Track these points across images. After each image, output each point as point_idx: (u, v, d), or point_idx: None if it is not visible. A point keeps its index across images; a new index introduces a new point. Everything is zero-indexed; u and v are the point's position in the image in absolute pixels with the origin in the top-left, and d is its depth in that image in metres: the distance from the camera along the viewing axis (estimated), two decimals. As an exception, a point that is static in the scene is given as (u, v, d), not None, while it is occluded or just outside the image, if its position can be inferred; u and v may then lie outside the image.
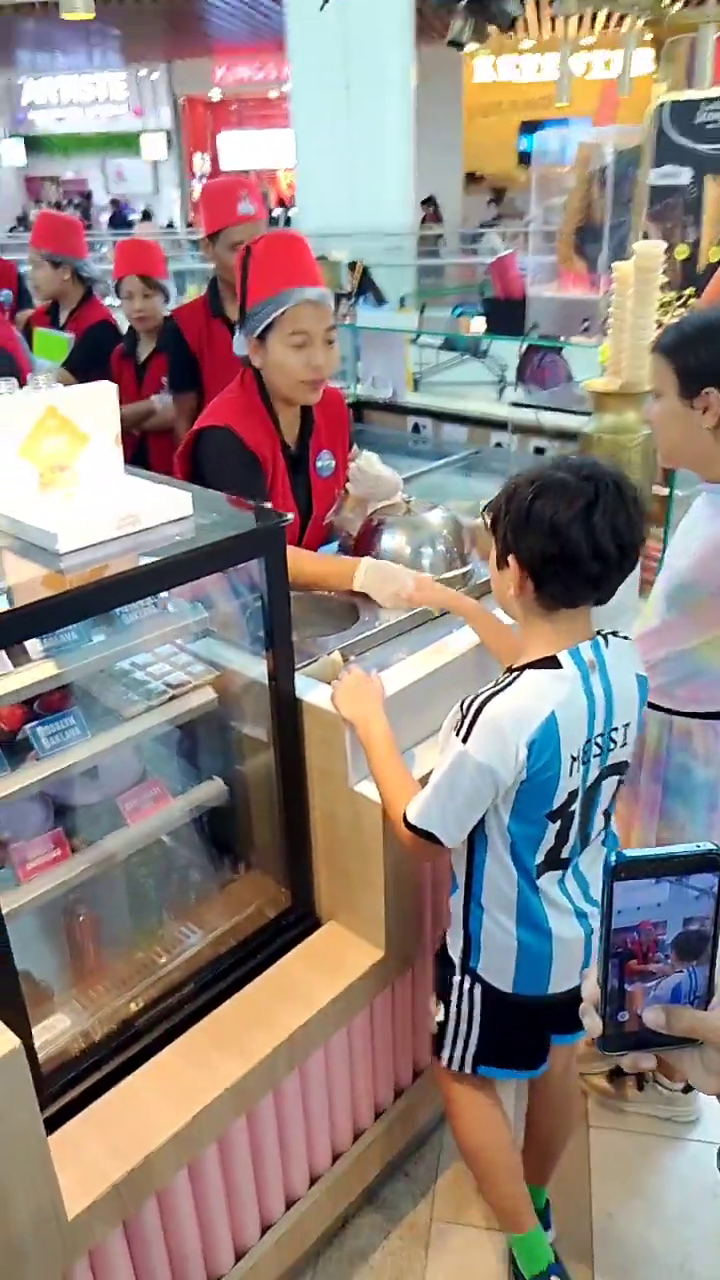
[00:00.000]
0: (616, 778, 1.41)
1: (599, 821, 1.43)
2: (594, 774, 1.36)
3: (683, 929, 0.64)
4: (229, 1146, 1.54)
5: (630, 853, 0.62)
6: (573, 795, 1.34)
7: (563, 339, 2.65)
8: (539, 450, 2.91)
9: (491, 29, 1.64)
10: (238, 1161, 1.56)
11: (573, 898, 1.44)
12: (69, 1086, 1.43)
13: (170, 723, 1.58)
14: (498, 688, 1.29)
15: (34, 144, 21.02)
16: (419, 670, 1.69)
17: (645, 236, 2.47)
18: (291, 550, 1.98)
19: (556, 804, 1.32)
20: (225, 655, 1.71)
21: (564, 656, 1.29)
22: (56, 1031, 1.48)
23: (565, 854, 1.40)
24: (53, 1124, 1.38)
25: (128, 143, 20.47)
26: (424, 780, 1.38)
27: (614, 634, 1.37)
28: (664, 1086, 2.03)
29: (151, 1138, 1.36)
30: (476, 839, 1.40)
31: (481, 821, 1.37)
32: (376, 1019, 1.79)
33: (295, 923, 1.76)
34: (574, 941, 1.43)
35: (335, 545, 2.33)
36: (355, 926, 1.73)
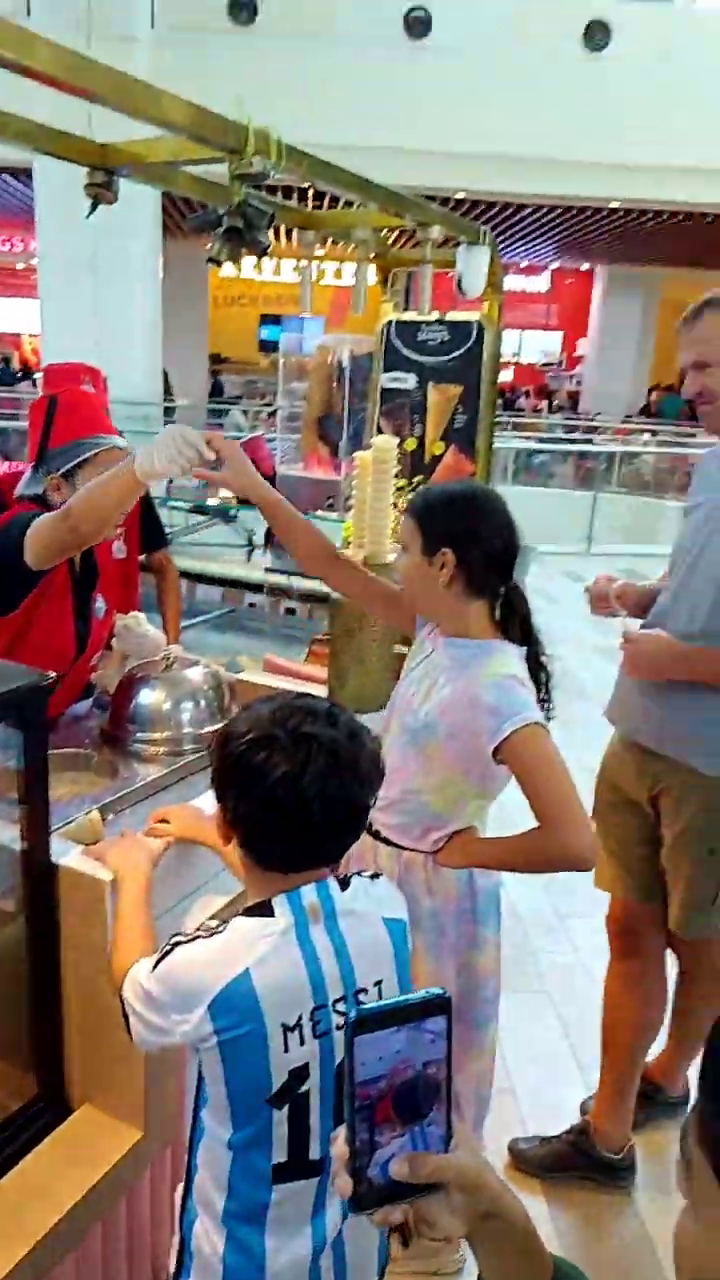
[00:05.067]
0: None
1: None
2: (341, 1052, 1.14)
3: (420, 1072, 0.65)
4: None
5: (367, 1007, 0.64)
6: (299, 1074, 1.13)
7: (307, 513, 2.89)
8: (290, 611, 3.09)
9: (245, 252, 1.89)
10: None
11: (325, 1233, 1.20)
12: None
13: None
14: (203, 933, 1.16)
15: None
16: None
17: (379, 429, 2.81)
18: None
19: (277, 1085, 1.12)
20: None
21: (279, 902, 1.15)
22: None
23: (316, 1154, 1.17)
24: None
25: None
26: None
27: (359, 874, 1.24)
28: (428, 1238, 2.00)
29: None
30: (196, 1119, 1.21)
31: (200, 1100, 1.20)
32: (135, 1203, 1.66)
33: (43, 1111, 1.62)
34: None
35: (90, 702, 2.31)
36: (112, 1107, 1.62)
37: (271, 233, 1.83)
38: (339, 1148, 0.66)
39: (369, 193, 2.08)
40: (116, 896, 1.45)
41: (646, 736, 2.02)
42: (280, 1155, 1.15)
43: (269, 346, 20.14)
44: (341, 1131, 0.66)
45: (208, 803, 1.77)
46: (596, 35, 11.17)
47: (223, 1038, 1.10)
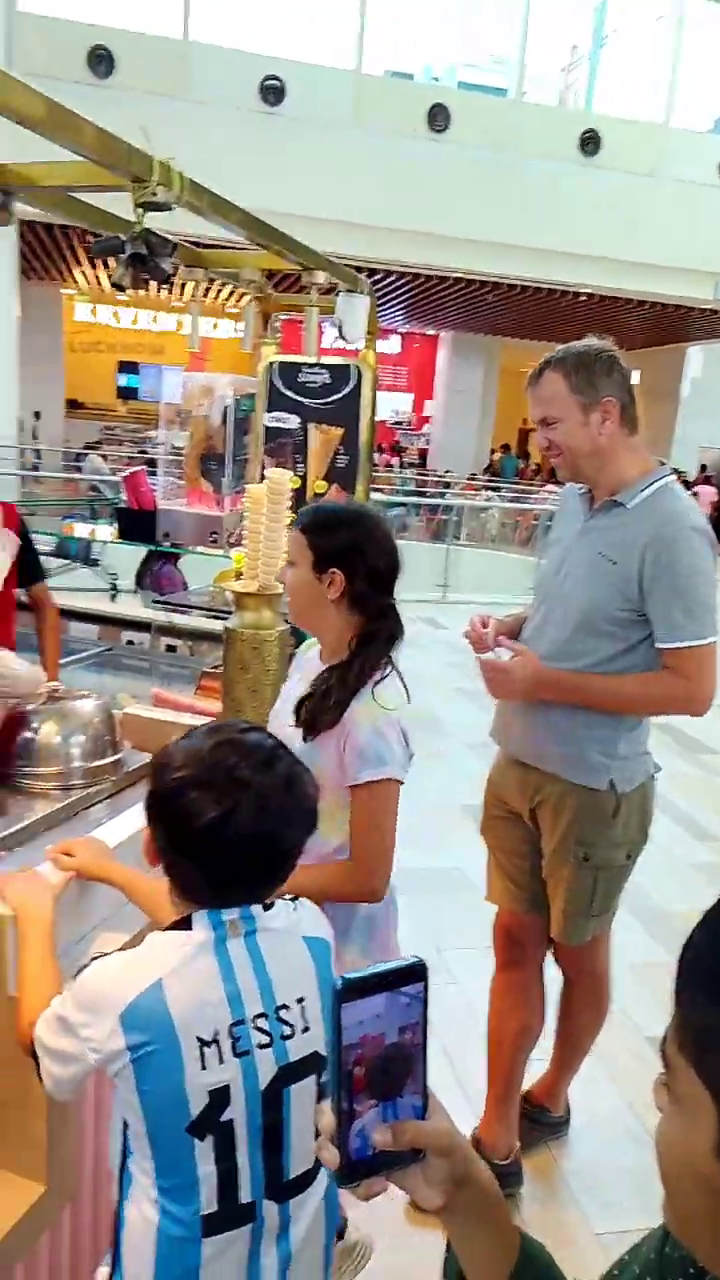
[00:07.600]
0: (312, 1080, 1.15)
1: (301, 1155, 1.14)
2: (266, 1074, 1.11)
3: (398, 1038, 0.67)
4: None
5: (351, 974, 0.65)
6: (219, 1098, 1.08)
7: (190, 548, 2.89)
8: (170, 648, 3.04)
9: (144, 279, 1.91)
10: None
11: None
12: None
13: None
14: (120, 950, 1.16)
15: None
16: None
17: (263, 467, 2.84)
18: None
19: (195, 1109, 1.06)
20: None
21: (198, 917, 1.12)
22: None
23: (247, 1195, 1.10)
24: None
25: None
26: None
27: (282, 898, 1.21)
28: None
29: None
30: (123, 1176, 1.13)
31: (126, 1152, 1.13)
32: (42, 1259, 1.55)
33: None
34: None
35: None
36: (8, 1161, 1.52)
37: (170, 264, 1.86)
38: (326, 1118, 0.66)
39: (263, 233, 2.14)
40: (18, 939, 1.37)
41: (524, 752, 2.13)
42: (210, 1204, 1.09)
43: (127, 393, 19.92)
44: (327, 1104, 0.67)
45: (106, 834, 1.72)
46: (438, 119, 11.95)
47: (135, 1055, 1.06)
